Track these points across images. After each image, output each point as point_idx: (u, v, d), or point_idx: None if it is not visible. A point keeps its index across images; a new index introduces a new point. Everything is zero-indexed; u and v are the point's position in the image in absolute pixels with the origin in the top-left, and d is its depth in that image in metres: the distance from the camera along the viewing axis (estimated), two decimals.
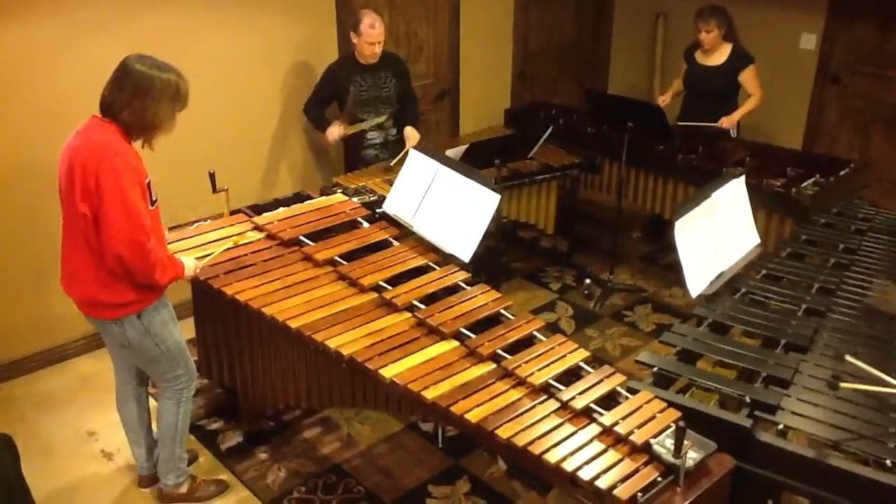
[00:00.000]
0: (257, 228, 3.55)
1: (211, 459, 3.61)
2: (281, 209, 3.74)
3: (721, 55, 5.07)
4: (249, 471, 3.54)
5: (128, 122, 2.78)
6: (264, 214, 3.66)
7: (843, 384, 2.50)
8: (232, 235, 3.45)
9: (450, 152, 4.03)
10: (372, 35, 4.43)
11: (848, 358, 2.59)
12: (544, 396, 2.58)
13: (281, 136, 4.90)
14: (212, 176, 3.50)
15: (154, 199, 2.89)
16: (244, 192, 4.02)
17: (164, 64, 2.81)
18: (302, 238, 3.47)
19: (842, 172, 4.52)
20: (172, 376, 3.12)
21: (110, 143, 2.73)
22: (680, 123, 5.10)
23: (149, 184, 2.85)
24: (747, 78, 5.04)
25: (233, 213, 3.67)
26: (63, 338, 4.25)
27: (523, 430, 2.42)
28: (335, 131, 4.52)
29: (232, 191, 3.56)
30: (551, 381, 2.62)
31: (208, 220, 3.59)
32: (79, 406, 3.95)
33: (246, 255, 3.34)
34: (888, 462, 2.34)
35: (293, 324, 2.91)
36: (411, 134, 4.70)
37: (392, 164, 4.53)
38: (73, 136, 2.83)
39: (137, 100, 2.74)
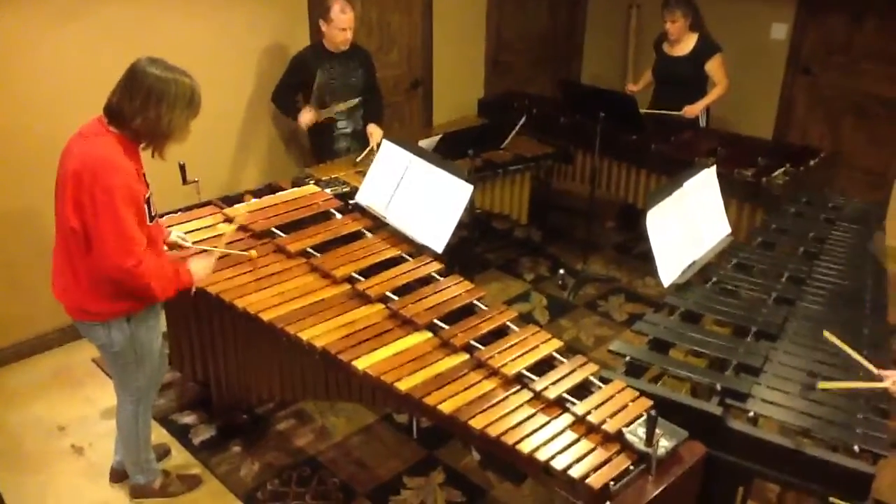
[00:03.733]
0: (228, 220, 3.51)
1: (183, 453, 3.58)
2: (252, 200, 3.70)
3: (687, 45, 5.10)
4: (223, 464, 3.52)
5: (140, 130, 2.65)
6: (235, 206, 3.63)
7: (820, 384, 2.50)
8: (207, 226, 3.43)
9: (423, 143, 4.02)
10: (343, 21, 4.39)
11: (826, 334, 2.59)
12: (517, 387, 2.58)
13: (253, 126, 4.86)
14: (182, 167, 3.45)
15: (154, 214, 2.81)
16: (215, 184, 3.98)
17: (176, 67, 2.68)
18: (274, 229, 3.44)
19: (812, 162, 4.58)
20: (135, 386, 3.06)
21: (110, 160, 2.60)
22: (643, 111, 5.13)
23: (148, 199, 2.76)
24: (712, 67, 5.07)
25: (203, 204, 3.63)
26: (32, 332, 4.19)
27: (497, 420, 2.42)
28: (308, 116, 4.49)
29: (203, 182, 3.52)
30: (524, 372, 2.63)
31: (178, 212, 3.54)
32: (49, 400, 3.90)
33: (217, 247, 3.30)
34: (856, 448, 2.37)
35: (265, 316, 2.89)
36: (374, 131, 4.66)
37: (357, 160, 4.50)
38: (75, 136, 2.71)
39: (151, 107, 2.60)
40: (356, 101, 4.61)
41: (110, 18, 4.01)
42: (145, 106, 2.61)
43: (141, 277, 2.68)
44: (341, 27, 4.40)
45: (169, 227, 3.23)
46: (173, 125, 2.67)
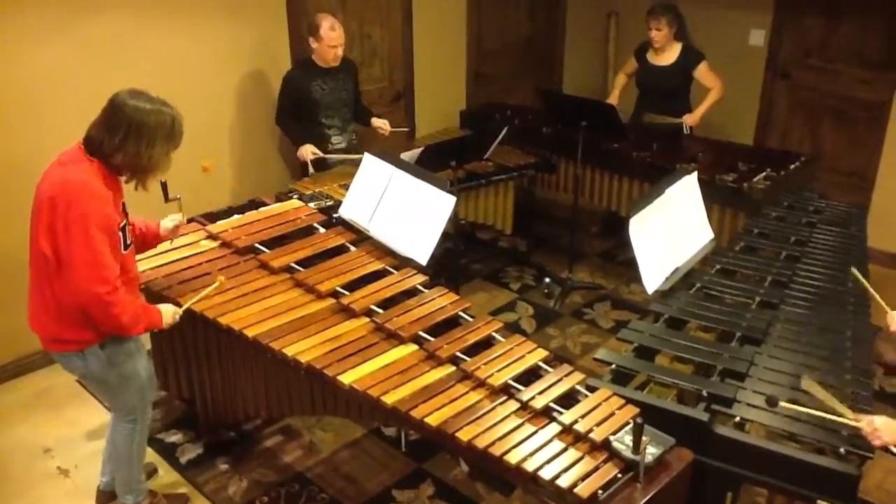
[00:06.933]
0: (211, 237, 3.50)
1: (171, 473, 3.55)
2: (235, 216, 3.70)
3: (672, 54, 5.13)
4: (210, 483, 3.49)
5: (121, 166, 2.64)
6: (218, 222, 3.62)
7: (781, 403, 2.45)
8: (190, 244, 3.41)
9: (405, 155, 4.02)
10: (333, 38, 4.44)
11: (804, 384, 2.49)
12: (504, 397, 2.58)
13: (234, 142, 4.85)
14: (164, 185, 3.43)
15: (129, 242, 2.80)
16: (197, 201, 3.96)
17: (156, 98, 2.67)
18: (257, 245, 3.43)
19: (792, 166, 4.61)
20: (128, 408, 3.02)
21: (86, 186, 2.58)
22: (646, 122, 5.13)
23: (123, 227, 2.74)
24: (702, 74, 5.10)
25: (185, 222, 3.61)
26: (16, 353, 4.15)
27: (484, 431, 2.42)
28: (307, 153, 4.54)
29: (184, 199, 3.50)
30: (511, 382, 2.62)
31: None
32: (33, 422, 3.86)
33: (201, 264, 3.30)
34: (842, 450, 2.38)
35: (250, 332, 2.88)
36: (382, 123, 4.82)
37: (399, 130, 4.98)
38: (55, 163, 2.69)
39: (131, 143, 2.59)
40: (358, 157, 4.66)
41: (96, 36, 3.99)
42: (124, 142, 2.59)
43: (112, 306, 2.64)
44: (331, 44, 4.45)
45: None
46: (154, 160, 2.66)
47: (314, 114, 4.60)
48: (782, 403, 2.44)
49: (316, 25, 4.44)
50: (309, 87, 4.53)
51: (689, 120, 5.14)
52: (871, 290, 2.47)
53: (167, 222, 3.13)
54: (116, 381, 2.92)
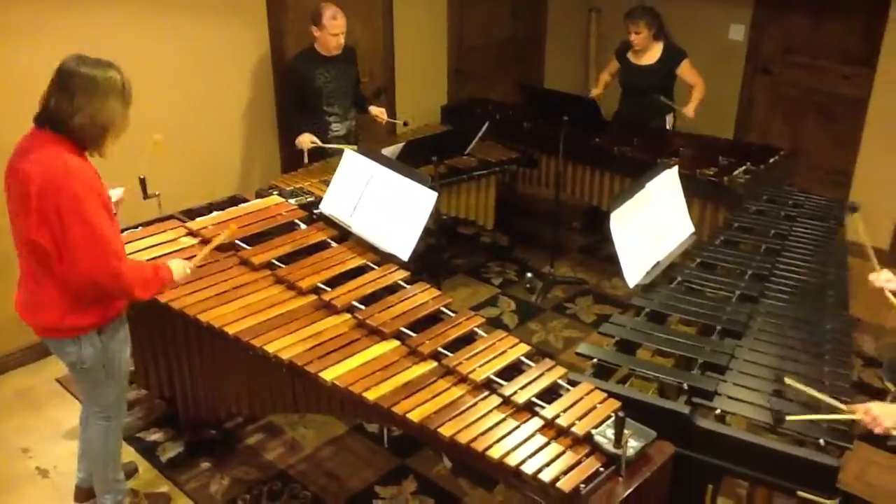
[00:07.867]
0: (191, 234, 3.47)
1: (151, 472, 3.53)
2: (215, 213, 3.67)
3: (653, 54, 5.14)
4: (191, 481, 3.47)
5: (80, 127, 2.59)
6: (198, 219, 3.59)
7: (788, 417, 2.45)
8: (169, 240, 3.39)
9: (386, 151, 4.02)
10: (335, 26, 4.47)
11: (787, 381, 2.55)
12: (486, 392, 2.58)
13: (214, 139, 4.81)
14: (142, 182, 3.42)
15: (115, 211, 2.77)
16: (176, 198, 3.94)
17: (102, 61, 2.66)
18: (238, 242, 3.41)
19: (772, 160, 4.63)
20: (105, 403, 2.99)
21: (67, 165, 2.55)
22: (663, 100, 5.09)
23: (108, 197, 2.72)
24: (685, 71, 5.11)
25: (164, 218, 3.59)
26: None
27: (466, 427, 2.42)
28: (306, 141, 4.53)
29: (164, 196, 3.48)
30: (493, 377, 2.62)
31: (139, 227, 3.50)
32: (12, 423, 3.82)
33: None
34: (821, 442, 2.40)
35: (230, 330, 2.86)
36: (379, 112, 4.93)
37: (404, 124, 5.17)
38: (18, 153, 2.65)
39: (87, 101, 2.56)
40: (355, 147, 4.62)
41: (71, 35, 3.94)
42: (81, 101, 2.56)
43: (124, 276, 2.63)
44: (333, 33, 4.49)
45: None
46: (111, 116, 2.62)
47: (317, 102, 4.62)
48: (789, 418, 2.45)
49: (318, 14, 4.47)
50: (312, 75, 4.56)
51: (688, 111, 5.08)
52: (820, 395, 2.49)
53: (114, 194, 3.07)
54: (104, 372, 2.89)
